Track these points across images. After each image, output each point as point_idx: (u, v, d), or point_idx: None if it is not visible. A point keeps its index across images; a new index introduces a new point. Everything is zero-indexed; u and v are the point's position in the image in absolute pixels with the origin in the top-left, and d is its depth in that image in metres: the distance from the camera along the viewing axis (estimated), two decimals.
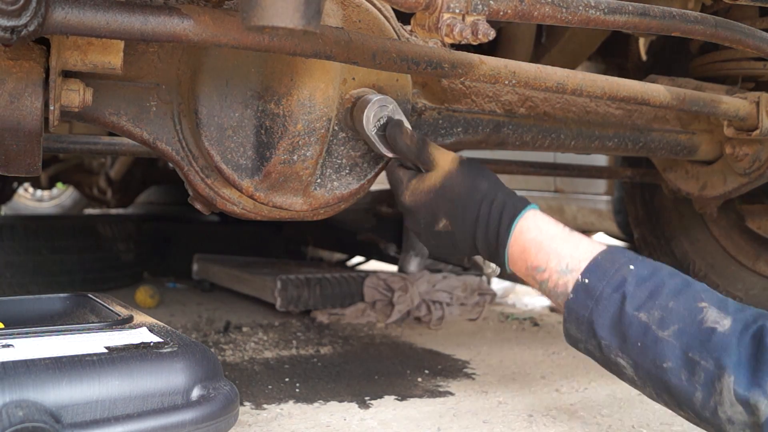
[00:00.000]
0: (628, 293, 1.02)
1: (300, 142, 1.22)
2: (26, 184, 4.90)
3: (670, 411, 1.06)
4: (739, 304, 1.00)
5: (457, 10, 0.99)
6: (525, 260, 1.13)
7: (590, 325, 1.05)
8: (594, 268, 1.06)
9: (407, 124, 1.24)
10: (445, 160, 1.21)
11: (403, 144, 1.21)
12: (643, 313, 1.00)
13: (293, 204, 1.29)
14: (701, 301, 0.99)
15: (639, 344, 1.00)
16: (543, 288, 1.12)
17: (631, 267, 1.05)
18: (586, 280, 1.06)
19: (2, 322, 1.28)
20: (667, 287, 1.02)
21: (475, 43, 1.02)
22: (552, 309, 2.96)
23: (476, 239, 1.17)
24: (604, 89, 1.35)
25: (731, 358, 0.93)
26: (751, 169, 1.93)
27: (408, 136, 1.21)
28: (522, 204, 1.15)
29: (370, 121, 1.24)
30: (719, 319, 0.96)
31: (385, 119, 1.25)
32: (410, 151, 1.21)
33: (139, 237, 3.11)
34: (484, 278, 2.81)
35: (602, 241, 1.12)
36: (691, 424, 1.05)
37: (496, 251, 1.16)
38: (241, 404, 1.52)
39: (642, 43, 2.48)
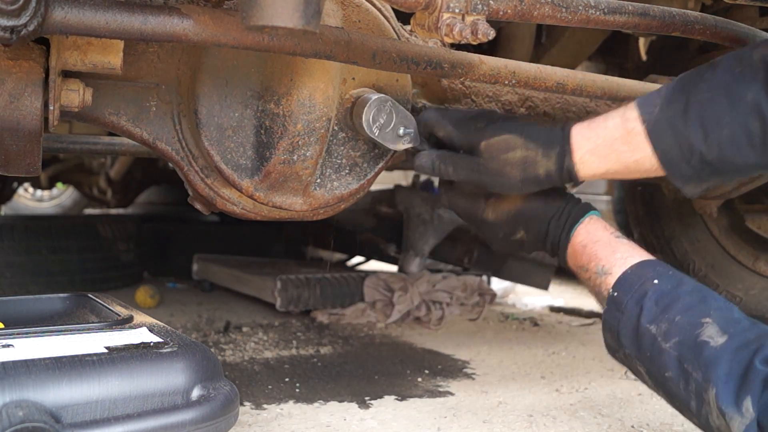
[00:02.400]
0: (645, 307, 1.10)
1: (300, 142, 1.22)
2: (26, 184, 4.90)
3: (670, 410, 1.11)
4: (752, 324, 1.04)
5: (457, 10, 0.99)
6: (575, 261, 1.24)
7: (617, 335, 1.13)
8: (623, 281, 1.14)
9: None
10: None
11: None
12: (654, 326, 1.08)
13: (293, 204, 1.29)
14: (706, 317, 1.05)
15: (648, 354, 1.08)
16: (588, 285, 1.23)
17: (655, 282, 1.12)
18: (615, 294, 1.14)
19: (2, 322, 1.28)
20: (681, 302, 1.08)
21: (474, 43, 1.02)
22: (552, 309, 2.96)
23: (544, 247, 1.30)
24: (604, 89, 1.35)
25: (717, 372, 0.98)
26: None
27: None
28: (582, 212, 1.26)
29: (369, 121, 1.24)
30: (715, 335, 1.02)
31: (384, 119, 1.25)
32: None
33: (139, 237, 3.10)
34: (484, 278, 2.81)
35: (637, 252, 1.20)
36: (692, 425, 1.07)
37: (557, 253, 1.29)
38: (241, 404, 1.52)
39: (642, 43, 2.48)
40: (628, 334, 1.11)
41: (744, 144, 1.11)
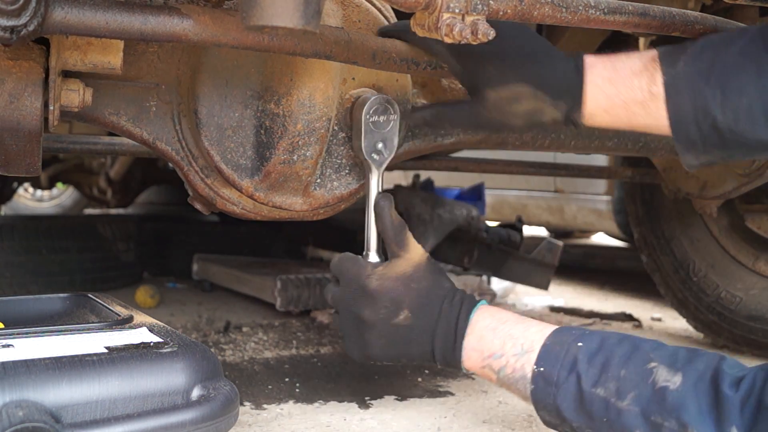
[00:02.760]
0: (582, 372, 1.04)
1: (300, 142, 1.22)
2: (26, 184, 4.90)
3: None
4: (689, 352, 1.01)
5: (457, 10, 0.99)
6: (481, 349, 1.15)
7: (558, 410, 1.07)
8: (545, 354, 1.08)
9: (392, 205, 1.24)
10: (416, 250, 1.22)
11: (387, 219, 1.22)
12: (600, 388, 1.02)
13: (293, 204, 1.29)
14: (650, 362, 1.01)
15: (605, 420, 1.02)
16: (501, 376, 1.13)
17: (579, 344, 1.07)
18: (542, 368, 1.08)
19: (2, 322, 1.28)
20: (616, 356, 1.03)
21: (474, 43, 1.02)
22: (552, 309, 2.96)
23: (435, 335, 1.18)
24: None
25: (690, 412, 0.95)
26: (750, 168, 1.92)
27: (393, 214, 1.23)
28: (476, 299, 1.20)
29: (370, 111, 1.23)
30: (669, 376, 0.98)
31: (382, 120, 1.25)
32: (391, 227, 1.22)
33: (139, 237, 3.10)
34: (484, 278, 2.81)
35: (547, 323, 1.15)
36: None
37: (453, 345, 1.17)
38: (241, 404, 1.52)
39: (642, 43, 2.48)
40: (570, 406, 1.05)
41: (761, 118, 1.04)
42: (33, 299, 1.43)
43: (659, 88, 1.10)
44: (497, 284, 3.13)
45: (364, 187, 1.28)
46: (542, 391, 1.07)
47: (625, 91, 1.11)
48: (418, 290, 1.18)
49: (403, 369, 1.88)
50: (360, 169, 1.32)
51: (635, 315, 2.81)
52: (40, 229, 2.74)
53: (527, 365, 1.09)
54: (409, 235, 1.23)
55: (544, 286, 2.92)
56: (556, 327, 1.12)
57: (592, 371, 1.03)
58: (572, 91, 1.12)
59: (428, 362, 1.21)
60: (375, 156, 1.25)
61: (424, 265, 1.20)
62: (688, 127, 1.09)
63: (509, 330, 1.13)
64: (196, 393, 1.09)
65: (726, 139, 1.07)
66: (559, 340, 1.09)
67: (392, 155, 1.26)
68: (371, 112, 1.23)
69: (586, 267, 4.37)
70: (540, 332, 1.11)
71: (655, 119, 1.11)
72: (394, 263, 1.20)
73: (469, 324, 1.16)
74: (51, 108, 1.04)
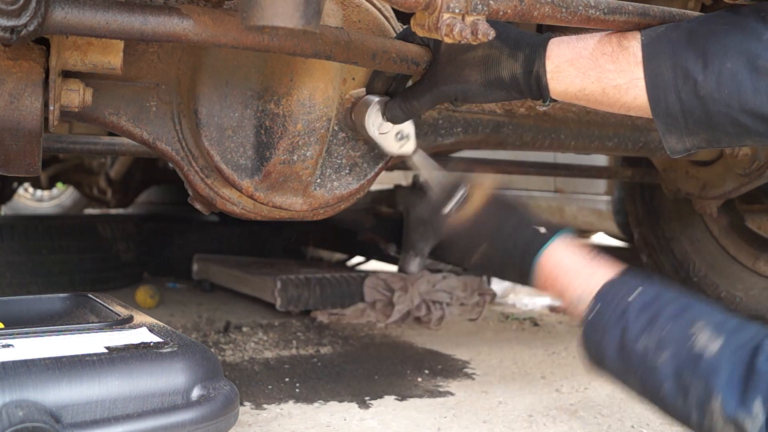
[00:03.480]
0: (630, 321, 1.04)
1: (300, 142, 1.22)
2: (26, 184, 4.90)
3: None
4: (740, 323, 1.01)
5: (457, 10, 0.99)
6: (549, 288, 1.17)
7: (601, 352, 1.08)
8: (603, 295, 1.09)
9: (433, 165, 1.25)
10: (478, 195, 1.20)
11: (442, 179, 1.22)
12: (642, 341, 1.03)
13: (293, 204, 1.29)
14: (696, 324, 1.01)
15: (640, 371, 1.03)
16: (568, 312, 1.16)
17: (634, 295, 1.06)
18: (597, 307, 1.08)
19: (2, 322, 1.28)
20: (665, 313, 1.03)
21: (475, 43, 1.02)
22: (552, 309, 2.96)
23: (518, 269, 1.19)
24: None
25: (719, 379, 0.95)
26: (750, 169, 1.93)
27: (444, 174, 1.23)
28: (545, 239, 1.17)
29: (371, 122, 1.23)
30: (710, 342, 0.98)
31: (383, 120, 1.25)
32: (448, 183, 1.21)
33: (139, 237, 3.11)
34: (484, 278, 2.81)
35: (619, 265, 1.14)
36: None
37: (528, 280, 1.19)
38: (241, 404, 1.52)
39: None
40: (612, 352, 1.05)
41: (747, 84, 0.98)
42: (33, 299, 1.44)
43: (630, 42, 1.07)
44: (497, 284, 3.13)
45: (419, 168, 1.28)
46: (592, 329, 1.07)
47: (591, 43, 1.09)
48: (485, 234, 1.18)
49: (403, 369, 1.88)
50: (360, 169, 1.33)
51: None
52: (40, 229, 2.74)
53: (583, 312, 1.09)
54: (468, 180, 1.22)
55: None
56: (616, 276, 1.10)
57: (639, 323, 1.03)
58: (533, 42, 1.10)
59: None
60: (403, 146, 1.26)
61: (485, 208, 1.19)
62: (668, 94, 1.04)
63: (570, 281, 1.12)
64: (196, 393, 1.09)
65: (710, 111, 1.02)
66: (620, 284, 1.08)
67: (414, 130, 1.26)
68: (373, 123, 1.23)
69: None
70: (601, 282, 1.09)
71: (629, 78, 1.06)
72: (461, 211, 1.19)
73: (535, 265, 1.15)
74: (51, 108, 1.04)
